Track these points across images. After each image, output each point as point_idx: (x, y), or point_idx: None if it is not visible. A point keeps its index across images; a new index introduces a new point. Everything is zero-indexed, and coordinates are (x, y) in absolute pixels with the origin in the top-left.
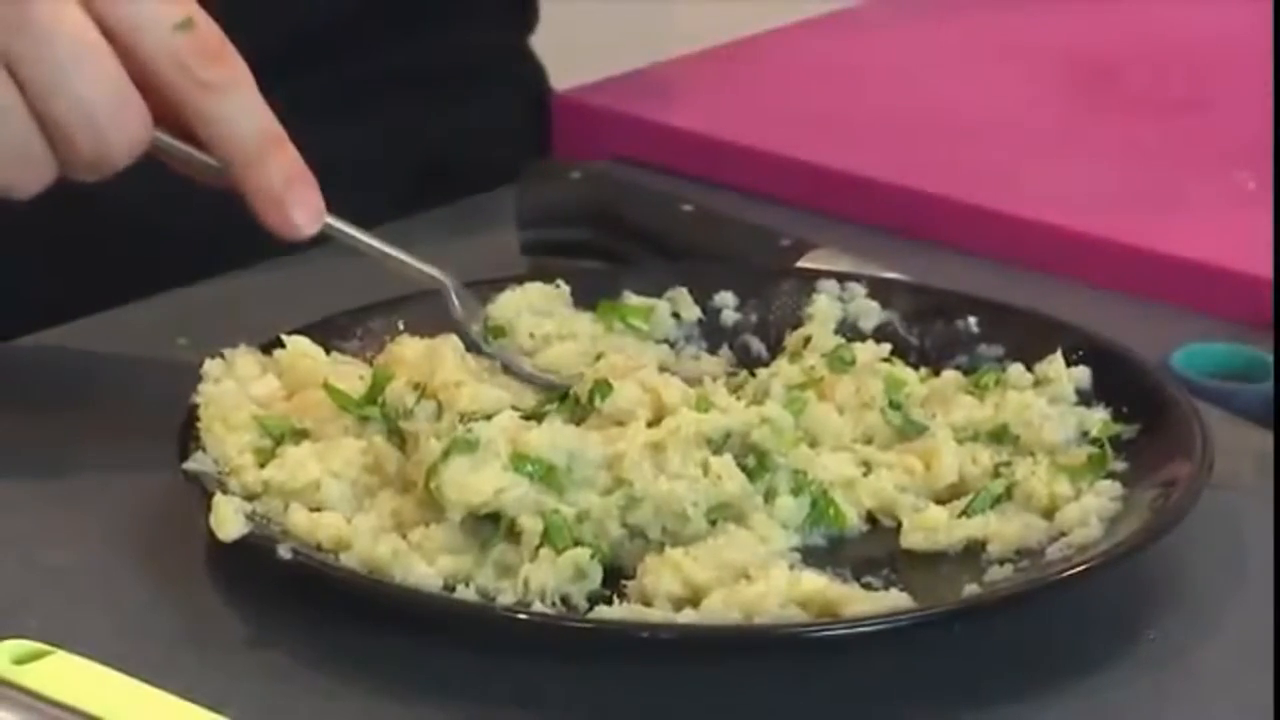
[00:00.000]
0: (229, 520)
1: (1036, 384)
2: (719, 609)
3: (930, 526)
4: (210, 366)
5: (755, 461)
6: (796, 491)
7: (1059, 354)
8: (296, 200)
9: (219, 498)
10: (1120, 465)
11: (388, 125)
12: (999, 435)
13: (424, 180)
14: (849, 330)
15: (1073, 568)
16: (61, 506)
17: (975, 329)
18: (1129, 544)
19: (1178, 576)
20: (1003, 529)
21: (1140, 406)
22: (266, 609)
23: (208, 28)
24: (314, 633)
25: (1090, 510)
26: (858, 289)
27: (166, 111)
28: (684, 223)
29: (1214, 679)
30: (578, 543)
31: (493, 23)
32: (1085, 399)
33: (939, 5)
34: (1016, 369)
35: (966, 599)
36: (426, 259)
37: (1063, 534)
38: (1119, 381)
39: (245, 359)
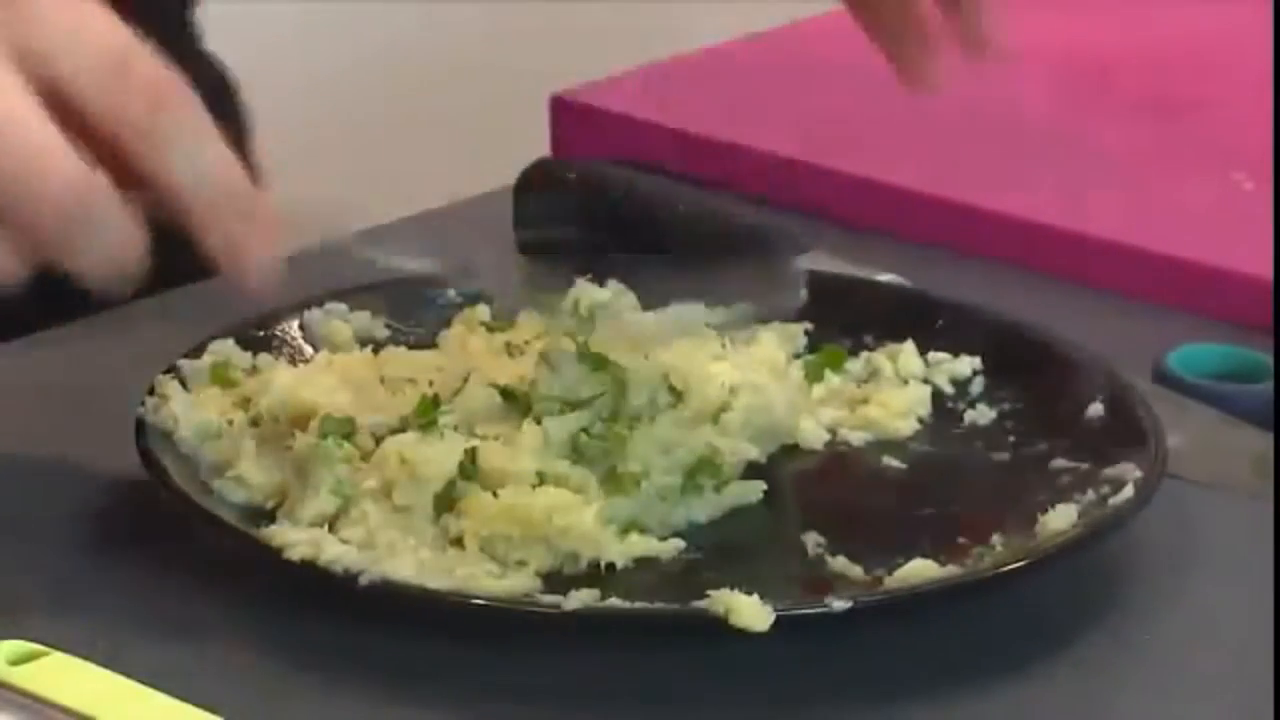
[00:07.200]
0: None
1: None
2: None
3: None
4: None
5: None
6: None
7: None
8: (251, 263)
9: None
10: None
11: None
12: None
13: None
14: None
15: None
16: (58, 507)
17: None
18: (1120, 513)
19: (1176, 577)
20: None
21: None
22: (263, 609)
23: (145, 65)
24: (312, 633)
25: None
26: None
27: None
28: (681, 223)
29: (1214, 681)
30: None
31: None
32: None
33: None
34: None
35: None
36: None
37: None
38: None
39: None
